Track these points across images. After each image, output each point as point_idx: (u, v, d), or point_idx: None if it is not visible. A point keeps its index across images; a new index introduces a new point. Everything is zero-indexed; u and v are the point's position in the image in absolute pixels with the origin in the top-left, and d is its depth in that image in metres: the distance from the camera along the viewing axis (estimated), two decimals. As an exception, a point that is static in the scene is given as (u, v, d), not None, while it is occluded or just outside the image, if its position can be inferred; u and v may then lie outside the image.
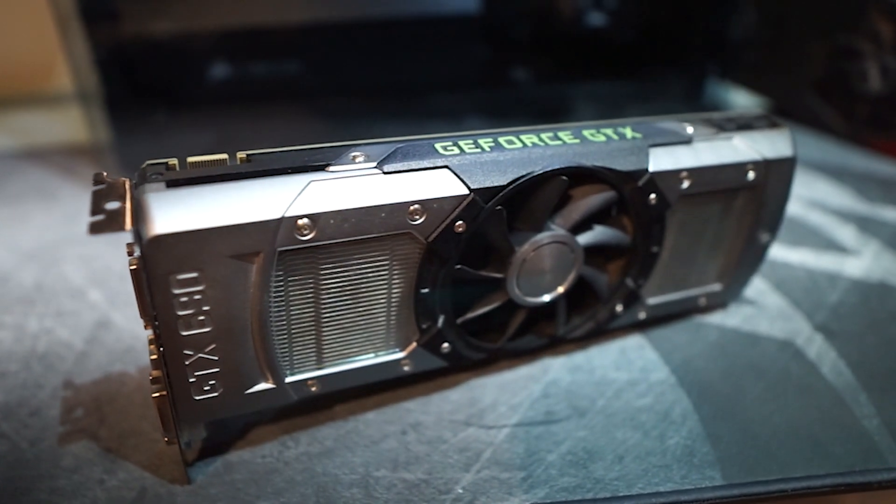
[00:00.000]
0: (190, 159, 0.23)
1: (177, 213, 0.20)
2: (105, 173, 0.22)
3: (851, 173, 0.54)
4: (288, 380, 0.26)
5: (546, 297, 0.29)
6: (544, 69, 0.61)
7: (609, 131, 0.28)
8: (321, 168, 0.23)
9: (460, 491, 0.26)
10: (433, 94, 0.62)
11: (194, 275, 0.21)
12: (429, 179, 0.24)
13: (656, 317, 0.35)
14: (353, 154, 0.23)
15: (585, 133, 0.28)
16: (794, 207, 0.49)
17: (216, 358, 0.23)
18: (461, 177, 0.24)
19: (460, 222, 0.24)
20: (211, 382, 0.24)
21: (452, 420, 0.30)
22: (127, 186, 0.22)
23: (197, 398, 0.24)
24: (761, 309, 0.37)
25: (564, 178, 0.26)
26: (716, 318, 0.36)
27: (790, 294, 0.38)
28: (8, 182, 0.56)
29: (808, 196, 0.51)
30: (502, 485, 0.26)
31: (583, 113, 0.63)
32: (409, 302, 0.26)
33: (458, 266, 0.26)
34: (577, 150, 0.26)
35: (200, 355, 0.23)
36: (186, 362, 0.23)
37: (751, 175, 0.31)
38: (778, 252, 0.43)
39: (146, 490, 0.26)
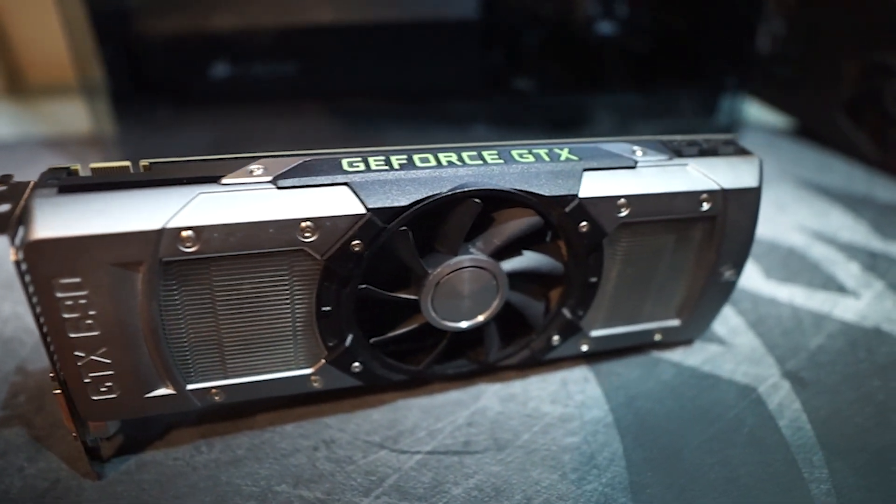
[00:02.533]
0: (93, 165, 0.23)
1: (59, 219, 0.21)
2: (13, 175, 0.23)
3: (874, 204, 0.49)
4: (190, 387, 0.26)
5: (464, 324, 0.28)
6: (553, 79, 0.59)
7: (542, 152, 0.27)
8: (215, 180, 0.23)
9: (353, 516, 0.26)
10: (439, 100, 0.61)
11: (77, 280, 0.21)
12: (324, 197, 0.23)
13: (603, 350, 0.33)
14: (251, 167, 0.23)
15: (514, 153, 0.26)
16: (796, 238, 0.45)
17: (109, 361, 0.23)
18: (360, 195, 0.23)
19: (357, 241, 0.24)
20: (107, 384, 0.24)
21: (367, 440, 0.29)
22: (28, 190, 0.22)
23: (94, 398, 0.24)
24: (730, 349, 0.34)
25: (477, 200, 0.25)
26: (676, 355, 0.34)
27: (766, 334, 0.35)
28: (22, 169, 0.60)
29: (815, 226, 0.47)
30: (396, 515, 0.26)
31: (590, 124, 0.61)
32: (313, 319, 0.25)
33: (363, 286, 0.25)
34: (495, 172, 0.25)
35: (92, 357, 0.23)
36: (79, 363, 0.23)
37: (705, 205, 0.28)
38: (764, 286, 0.39)
39: (59, 482, 0.27)
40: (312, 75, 0.58)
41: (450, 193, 0.24)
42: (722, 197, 0.28)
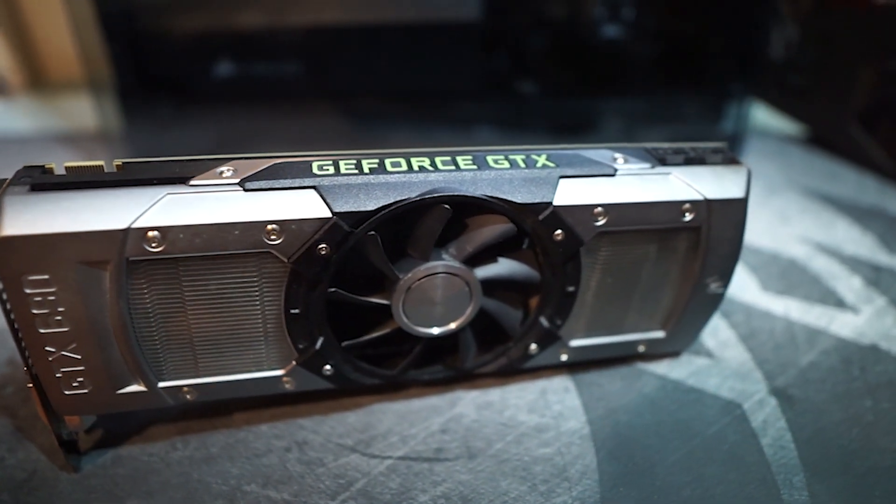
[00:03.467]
0: (67, 164, 0.23)
1: (28, 216, 0.21)
2: (-8, 172, 0.23)
3: (883, 216, 0.48)
4: (161, 385, 0.26)
5: (436, 330, 0.27)
6: (557, 83, 0.59)
7: (519, 158, 0.26)
8: (183, 181, 0.23)
9: (318, 519, 0.26)
10: (443, 102, 0.61)
11: (45, 277, 0.22)
12: (291, 200, 0.23)
13: (584, 360, 0.32)
14: (221, 169, 0.23)
15: (490, 159, 0.26)
16: (798, 250, 0.43)
17: (79, 357, 0.24)
18: (326, 199, 0.23)
19: (323, 245, 0.23)
20: (79, 379, 0.24)
21: (339, 443, 0.29)
22: (4, 187, 0.23)
23: (67, 393, 0.25)
24: (717, 362, 0.34)
25: (446, 206, 0.24)
26: (661, 368, 0.33)
27: (757, 349, 0.34)
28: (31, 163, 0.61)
29: (819, 238, 0.45)
30: (360, 520, 0.25)
31: (594, 129, 0.60)
32: (283, 321, 0.25)
33: (333, 290, 0.25)
34: (467, 178, 0.25)
35: (63, 353, 0.24)
36: (50, 358, 0.24)
37: (688, 216, 0.28)
38: (760, 298, 0.38)
39: (36, 473, 0.28)
40: (317, 75, 0.58)
41: (418, 199, 0.24)
42: (706, 207, 0.28)
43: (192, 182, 0.23)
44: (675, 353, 0.34)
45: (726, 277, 0.30)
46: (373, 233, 0.24)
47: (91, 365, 0.24)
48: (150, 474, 0.28)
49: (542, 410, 0.31)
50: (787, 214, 0.49)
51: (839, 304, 0.38)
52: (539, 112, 0.61)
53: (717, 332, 0.36)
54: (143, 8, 0.53)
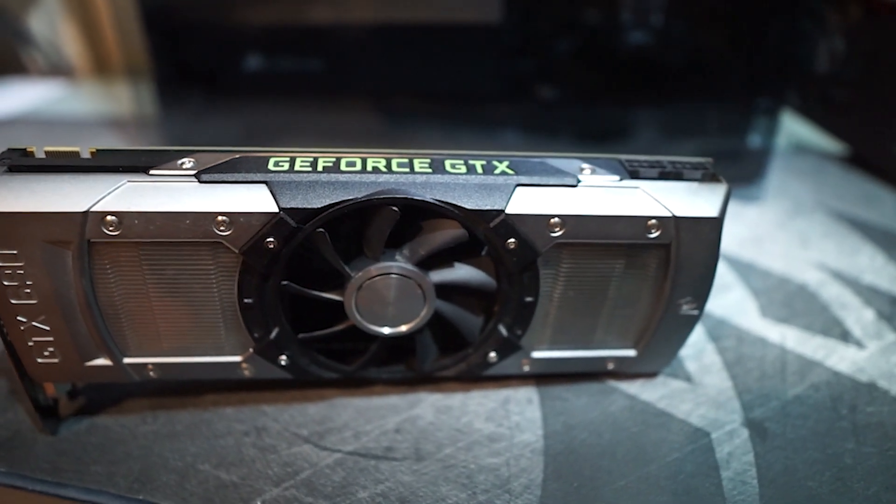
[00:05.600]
0: (46, 148, 0.25)
1: (1, 195, 0.23)
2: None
3: (916, 246, 0.44)
4: (127, 361, 0.28)
5: (386, 330, 0.28)
6: (582, 89, 0.57)
7: (478, 164, 0.26)
8: (145, 170, 0.24)
9: (259, 503, 0.26)
10: (469, 103, 0.61)
11: (14, 252, 0.23)
12: (242, 193, 0.24)
13: (549, 373, 0.31)
14: (183, 160, 0.24)
15: (448, 163, 0.26)
16: (811, 276, 0.41)
17: (48, 328, 0.26)
18: (275, 195, 0.24)
19: (271, 239, 0.24)
20: (49, 349, 0.26)
21: (296, 433, 0.30)
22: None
23: (39, 361, 0.27)
24: (696, 387, 0.32)
25: (394, 208, 0.24)
26: (633, 387, 0.32)
27: (741, 376, 0.32)
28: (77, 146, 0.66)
29: (838, 265, 0.42)
30: (295, 509, 0.26)
31: (618, 137, 0.58)
32: (237, 309, 0.26)
33: (285, 282, 0.26)
34: (418, 181, 0.25)
35: (33, 323, 0.25)
36: (21, 328, 0.25)
37: (655, 232, 0.26)
38: (756, 323, 0.36)
39: (18, 433, 0.30)
40: (345, 73, 0.59)
41: (364, 199, 0.24)
42: (673, 225, 0.26)
43: (152, 171, 0.24)
44: (650, 374, 0.33)
45: (700, 299, 0.29)
46: (321, 230, 0.25)
47: (59, 337, 0.26)
48: (118, 444, 0.29)
49: (500, 420, 0.30)
50: (807, 237, 0.46)
51: (843, 336, 0.35)
52: (564, 118, 0.60)
53: (701, 356, 0.34)
54: (182, 1, 0.56)
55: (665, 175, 0.27)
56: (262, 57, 0.58)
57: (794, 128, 0.64)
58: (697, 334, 0.36)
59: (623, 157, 0.28)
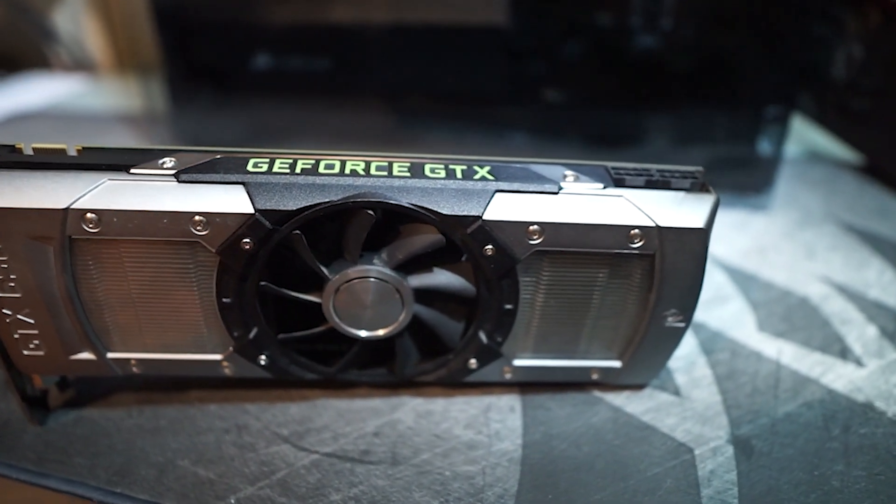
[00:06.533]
0: (34, 145, 0.26)
1: (-14, 191, 0.23)
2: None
3: (928, 261, 0.42)
4: (110, 355, 0.28)
5: (363, 333, 0.28)
6: (589, 93, 0.57)
7: (458, 168, 0.26)
8: (126, 169, 0.24)
9: (232, 501, 0.26)
10: (478, 105, 0.61)
11: (-1, 246, 0.24)
12: (219, 194, 0.24)
13: (532, 381, 0.31)
14: (164, 160, 0.25)
15: (427, 167, 0.26)
16: (814, 289, 0.39)
17: (32, 321, 0.26)
18: (252, 196, 0.24)
19: (247, 240, 0.24)
20: (35, 342, 0.27)
21: (276, 432, 0.30)
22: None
23: (25, 353, 0.27)
24: (683, 401, 0.31)
25: (370, 212, 0.24)
26: (619, 399, 0.31)
27: (731, 391, 0.32)
28: (89, 142, 0.67)
29: (843, 279, 0.41)
30: (267, 509, 0.26)
31: (629, 141, 0.57)
32: (216, 308, 0.27)
33: (263, 283, 0.26)
34: (395, 185, 0.25)
35: (18, 316, 0.26)
36: (7, 320, 0.26)
37: (637, 242, 0.26)
38: (752, 337, 0.35)
39: (9, 423, 0.30)
40: (353, 73, 0.60)
41: (339, 202, 0.24)
42: (657, 235, 0.26)
43: (132, 170, 0.24)
44: (638, 386, 0.32)
45: (686, 311, 0.28)
46: (297, 232, 0.25)
47: (44, 330, 0.26)
48: (102, 437, 0.30)
49: (480, 427, 0.30)
50: (814, 249, 0.44)
51: (842, 353, 0.34)
52: (572, 121, 0.60)
53: (692, 369, 0.33)
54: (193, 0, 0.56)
55: (652, 184, 0.27)
56: (272, 56, 0.59)
57: (809, 136, 0.63)
58: (689, 346, 0.35)
59: (610, 164, 0.28)
